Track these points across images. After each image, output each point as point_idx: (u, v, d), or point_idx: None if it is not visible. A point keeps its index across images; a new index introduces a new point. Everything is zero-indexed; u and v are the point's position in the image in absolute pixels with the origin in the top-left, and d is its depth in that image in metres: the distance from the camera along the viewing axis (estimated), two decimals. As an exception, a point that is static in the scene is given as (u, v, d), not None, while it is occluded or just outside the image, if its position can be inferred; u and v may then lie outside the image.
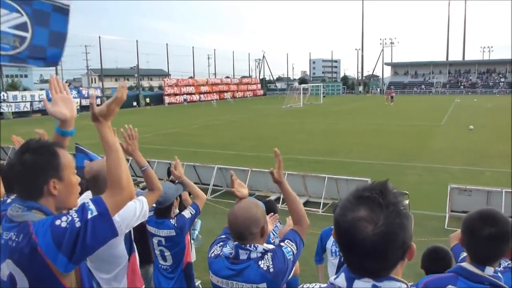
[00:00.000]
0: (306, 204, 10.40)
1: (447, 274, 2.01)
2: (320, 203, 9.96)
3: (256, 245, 2.21)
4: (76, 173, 1.92)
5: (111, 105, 1.83)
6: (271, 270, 2.16)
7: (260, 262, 2.18)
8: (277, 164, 2.50)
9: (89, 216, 1.65)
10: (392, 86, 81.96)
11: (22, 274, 1.64)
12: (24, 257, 1.62)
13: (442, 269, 2.05)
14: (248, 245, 2.20)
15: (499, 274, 1.88)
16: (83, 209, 1.67)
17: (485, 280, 1.83)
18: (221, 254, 2.29)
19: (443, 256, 3.09)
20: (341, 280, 1.31)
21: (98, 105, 1.84)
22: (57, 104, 2.09)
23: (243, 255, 2.20)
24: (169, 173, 4.13)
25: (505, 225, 1.89)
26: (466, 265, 1.93)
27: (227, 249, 2.28)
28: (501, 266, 2.83)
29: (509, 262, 2.84)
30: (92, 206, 1.68)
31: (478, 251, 1.92)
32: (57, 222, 1.64)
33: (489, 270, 1.86)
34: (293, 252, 2.27)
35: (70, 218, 1.64)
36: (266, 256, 2.21)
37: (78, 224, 1.63)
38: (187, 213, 3.60)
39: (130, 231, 3.00)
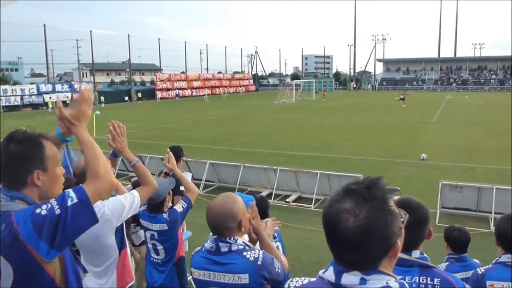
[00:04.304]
0: (298, 200, 10.44)
1: None
2: (312, 199, 10.00)
3: (235, 238, 2.23)
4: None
5: (80, 107, 1.89)
6: (259, 262, 2.17)
7: (245, 253, 2.20)
8: (252, 214, 2.46)
9: (69, 203, 1.68)
10: (384, 82, 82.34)
11: (7, 262, 1.66)
12: (7, 246, 1.65)
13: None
14: (227, 238, 2.22)
15: (425, 255, 2.01)
16: (63, 197, 1.70)
17: (414, 263, 1.96)
18: (202, 249, 2.32)
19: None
20: (330, 273, 1.32)
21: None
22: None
23: (224, 248, 2.22)
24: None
25: (420, 211, 2.03)
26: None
27: (208, 244, 2.30)
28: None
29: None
30: (72, 194, 1.71)
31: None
32: (37, 210, 1.66)
33: (415, 253, 1.99)
34: (279, 270, 2.24)
35: (49, 206, 1.67)
36: (255, 251, 2.24)
37: (57, 212, 1.65)
38: (179, 207, 3.60)
39: (122, 226, 2.99)
